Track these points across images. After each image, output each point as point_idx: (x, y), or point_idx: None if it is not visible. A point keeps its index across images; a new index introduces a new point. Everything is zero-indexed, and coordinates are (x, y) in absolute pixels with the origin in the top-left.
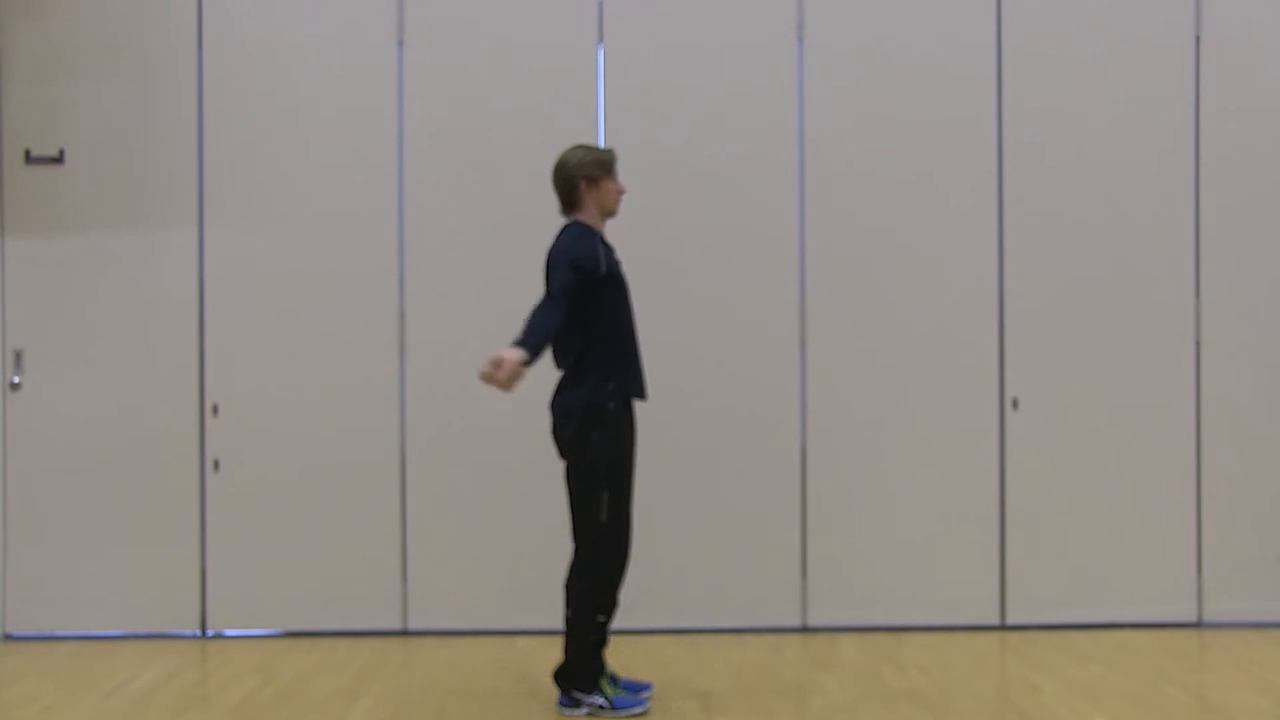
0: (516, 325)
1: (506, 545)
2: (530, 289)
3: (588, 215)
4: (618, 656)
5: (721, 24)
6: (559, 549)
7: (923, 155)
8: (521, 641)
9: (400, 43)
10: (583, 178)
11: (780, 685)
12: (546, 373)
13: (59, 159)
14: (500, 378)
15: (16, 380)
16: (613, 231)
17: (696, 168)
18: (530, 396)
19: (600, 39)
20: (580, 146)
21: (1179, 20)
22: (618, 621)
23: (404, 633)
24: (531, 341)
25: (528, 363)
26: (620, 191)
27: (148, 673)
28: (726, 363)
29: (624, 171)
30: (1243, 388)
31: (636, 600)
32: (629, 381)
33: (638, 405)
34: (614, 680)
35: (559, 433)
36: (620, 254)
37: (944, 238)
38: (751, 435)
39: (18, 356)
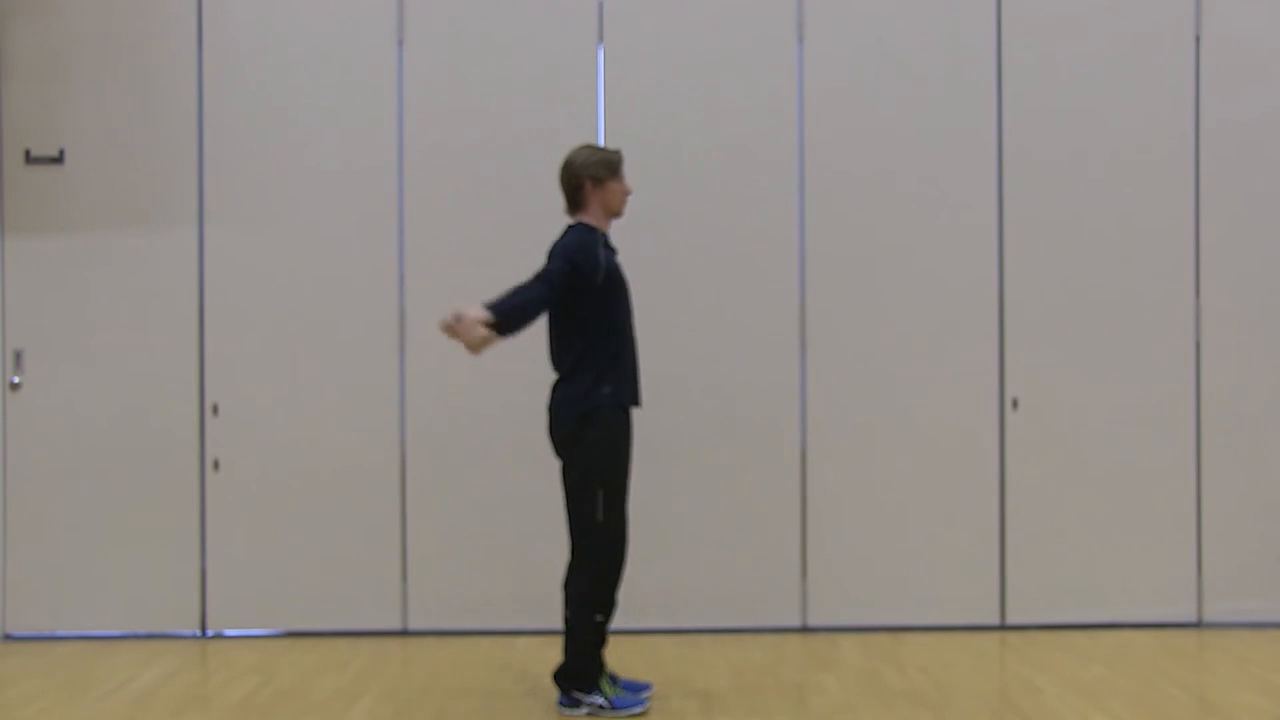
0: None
1: (506, 545)
2: None
3: (593, 216)
4: (618, 656)
5: (721, 24)
6: (559, 549)
7: (923, 155)
8: (521, 641)
9: (400, 43)
10: (588, 178)
11: (780, 685)
12: (544, 373)
13: (59, 159)
14: (458, 331)
15: (16, 380)
16: (613, 232)
17: (696, 168)
18: (530, 396)
19: (600, 39)
20: (587, 147)
21: (1179, 20)
22: (618, 621)
23: (404, 633)
24: (501, 306)
25: (494, 327)
26: (626, 192)
27: (148, 673)
28: (726, 363)
29: (629, 171)
30: (1243, 388)
31: (636, 600)
32: (624, 386)
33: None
34: (614, 680)
35: (555, 433)
36: (621, 254)
37: (944, 238)
38: (751, 435)
39: (18, 356)
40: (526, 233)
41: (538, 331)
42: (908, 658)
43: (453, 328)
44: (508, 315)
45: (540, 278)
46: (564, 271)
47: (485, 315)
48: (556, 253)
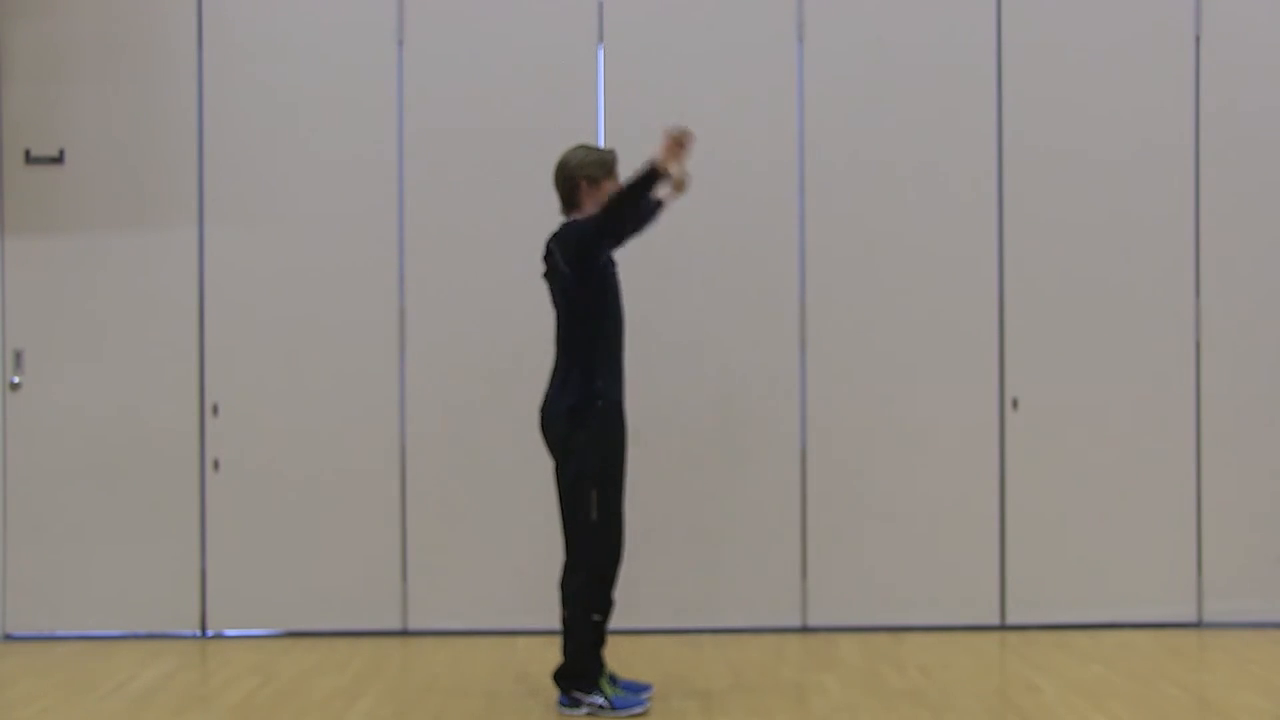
0: (516, 323)
1: (506, 545)
2: (529, 288)
3: (587, 216)
4: (617, 656)
5: (721, 23)
6: (559, 549)
7: (923, 155)
8: (521, 641)
9: (400, 42)
10: (584, 178)
11: (780, 685)
12: (540, 371)
13: (59, 159)
14: (683, 144)
15: (17, 380)
16: None
17: (696, 167)
18: (530, 396)
19: (600, 39)
20: (582, 147)
21: (1179, 19)
22: (618, 621)
23: (404, 633)
24: (638, 174)
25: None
26: None
27: (147, 673)
28: (726, 362)
29: (624, 171)
30: (1242, 388)
31: (636, 600)
32: (614, 384)
33: (633, 404)
34: (614, 680)
35: (547, 432)
36: (620, 253)
37: (944, 237)
38: (751, 434)
39: (18, 356)
40: (527, 232)
41: (538, 331)
42: (907, 658)
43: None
44: (636, 177)
45: (598, 219)
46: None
47: (657, 159)
48: (569, 237)
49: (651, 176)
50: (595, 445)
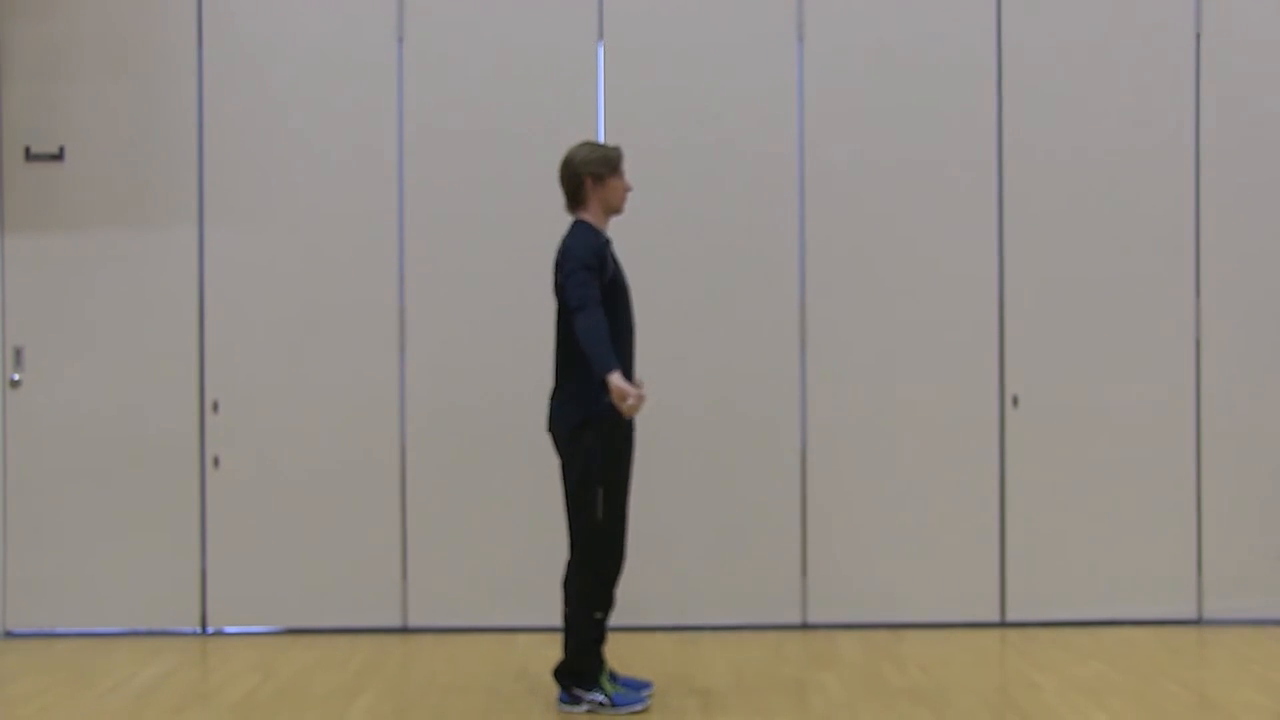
0: (516, 322)
1: (506, 543)
2: (529, 286)
3: (592, 213)
4: (618, 654)
5: (721, 23)
6: (559, 546)
7: (922, 153)
8: (521, 639)
9: (400, 40)
10: (588, 175)
11: (780, 683)
12: (544, 370)
13: (59, 157)
14: (626, 407)
15: (17, 378)
16: (612, 230)
17: (696, 166)
18: (530, 394)
19: (600, 39)
20: (586, 144)
21: (1179, 16)
22: (619, 619)
23: (404, 630)
24: (605, 360)
25: (621, 371)
26: (626, 189)
27: (148, 670)
28: (727, 360)
29: (629, 169)
30: (1242, 387)
31: (636, 598)
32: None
33: None
34: (614, 677)
35: (555, 431)
36: (620, 253)
37: (944, 236)
38: (751, 434)
39: (18, 354)
40: (526, 231)
41: (540, 331)
42: (908, 655)
43: (632, 408)
44: (608, 355)
45: (584, 308)
46: (592, 287)
47: (613, 375)
48: (564, 267)
49: (599, 372)
50: (603, 445)
